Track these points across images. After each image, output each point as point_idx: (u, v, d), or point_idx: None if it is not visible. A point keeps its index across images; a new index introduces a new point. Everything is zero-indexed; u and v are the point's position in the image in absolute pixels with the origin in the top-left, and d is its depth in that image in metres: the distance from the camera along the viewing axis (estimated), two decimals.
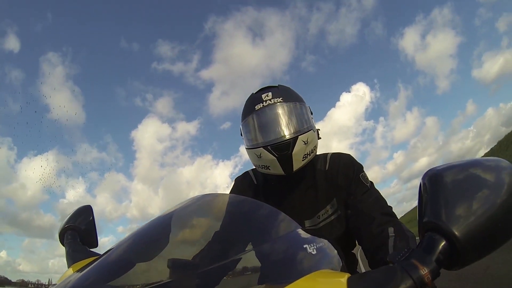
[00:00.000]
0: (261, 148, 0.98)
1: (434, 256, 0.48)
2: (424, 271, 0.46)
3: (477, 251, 0.48)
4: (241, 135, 1.11)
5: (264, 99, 1.01)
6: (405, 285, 0.45)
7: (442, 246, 0.48)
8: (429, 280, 0.46)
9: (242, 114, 1.08)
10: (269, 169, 1.02)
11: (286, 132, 0.97)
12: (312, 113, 1.10)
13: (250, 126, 1.03)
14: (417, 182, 0.59)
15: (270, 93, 1.02)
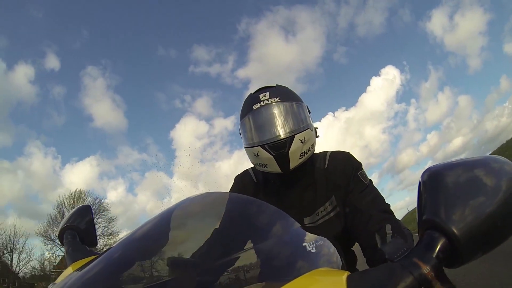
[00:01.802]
0: (258, 147, 1.00)
1: (434, 254, 0.47)
2: (426, 270, 0.45)
3: (476, 249, 0.48)
4: (240, 134, 1.12)
5: (262, 99, 1.02)
6: (406, 283, 0.44)
7: (442, 244, 0.47)
8: (433, 277, 0.45)
9: (241, 114, 1.09)
10: (267, 168, 1.03)
11: (283, 131, 0.98)
12: (310, 112, 1.11)
13: (248, 126, 1.05)
14: None
15: (267, 93, 1.03)
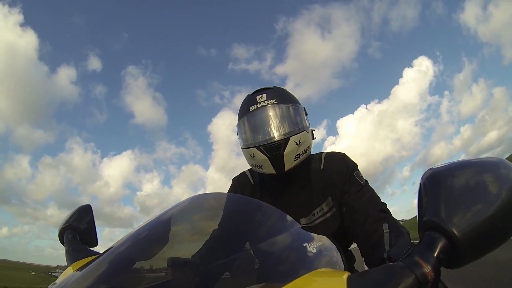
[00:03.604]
0: (254, 148, 1.02)
1: (435, 254, 0.47)
2: (428, 269, 0.46)
3: (476, 249, 0.49)
4: (237, 134, 1.13)
5: (259, 101, 1.04)
6: (407, 284, 0.45)
7: (442, 244, 0.48)
8: (432, 277, 0.46)
9: (238, 115, 1.11)
10: (262, 169, 1.05)
11: (278, 133, 1.00)
12: (307, 114, 1.12)
13: (245, 127, 1.07)
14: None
15: (264, 95, 1.05)
